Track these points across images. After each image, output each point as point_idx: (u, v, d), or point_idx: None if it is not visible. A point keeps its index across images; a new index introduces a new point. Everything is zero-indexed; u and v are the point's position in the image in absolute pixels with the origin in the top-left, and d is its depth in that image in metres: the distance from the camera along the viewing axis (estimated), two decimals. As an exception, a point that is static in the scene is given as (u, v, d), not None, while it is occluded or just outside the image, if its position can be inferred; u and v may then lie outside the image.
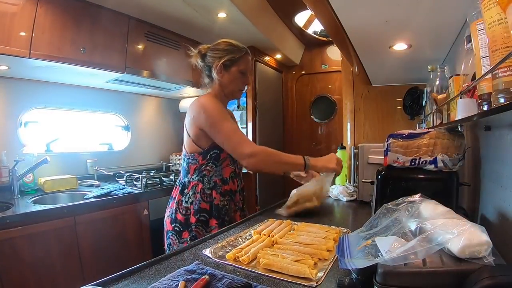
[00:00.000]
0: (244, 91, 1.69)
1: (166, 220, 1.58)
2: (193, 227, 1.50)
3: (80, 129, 3.10)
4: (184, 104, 3.88)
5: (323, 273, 0.86)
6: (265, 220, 1.38)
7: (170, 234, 1.54)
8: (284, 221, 1.34)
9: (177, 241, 1.50)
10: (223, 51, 1.57)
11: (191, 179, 1.56)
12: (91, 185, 2.75)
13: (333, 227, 1.29)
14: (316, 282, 0.82)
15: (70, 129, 3.00)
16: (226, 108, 1.68)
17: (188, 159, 1.59)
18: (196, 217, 1.51)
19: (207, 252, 1.03)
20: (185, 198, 1.55)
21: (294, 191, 1.66)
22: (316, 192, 1.59)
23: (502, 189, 0.94)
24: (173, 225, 1.54)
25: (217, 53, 1.58)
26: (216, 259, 0.98)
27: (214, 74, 1.60)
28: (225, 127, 1.49)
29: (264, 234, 1.17)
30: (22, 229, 1.81)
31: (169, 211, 1.58)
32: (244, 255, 0.96)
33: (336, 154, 2.31)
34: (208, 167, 1.55)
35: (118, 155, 3.35)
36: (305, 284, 0.81)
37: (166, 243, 1.58)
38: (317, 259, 0.95)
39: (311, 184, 1.71)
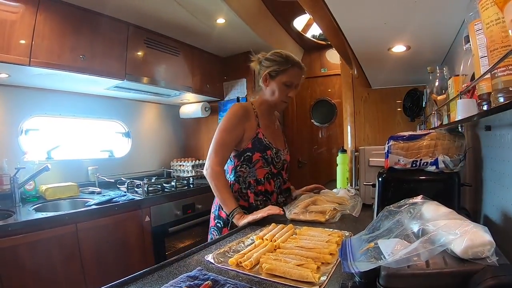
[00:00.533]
0: (285, 101, 1.73)
1: (211, 216, 1.73)
2: (216, 221, 1.66)
3: (80, 136, 3.10)
4: (185, 110, 3.89)
5: (326, 277, 0.85)
6: (267, 225, 1.37)
7: (212, 229, 1.69)
8: (286, 225, 1.33)
9: (218, 236, 1.54)
10: (271, 61, 1.67)
11: (229, 179, 1.70)
12: (93, 192, 2.74)
13: (336, 230, 1.28)
14: (320, 286, 0.81)
15: (71, 136, 3.01)
16: (272, 116, 1.83)
17: (229, 160, 1.70)
18: (215, 221, 1.67)
19: (209, 258, 1.03)
20: (213, 207, 1.72)
21: (305, 196, 1.69)
22: (334, 207, 1.56)
23: (504, 189, 0.94)
24: (215, 221, 1.68)
25: (266, 63, 1.68)
26: (219, 265, 0.98)
27: (261, 82, 1.73)
28: (218, 136, 1.62)
29: (267, 239, 1.16)
30: (24, 236, 1.80)
31: (213, 208, 1.72)
32: (247, 260, 0.95)
33: (337, 157, 2.32)
34: (242, 169, 1.67)
35: (119, 161, 3.35)
36: None
37: (209, 238, 1.71)
38: (320, 263, 0.94)
39: (331, 197, 1.74)
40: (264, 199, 1.69)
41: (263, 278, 0.87)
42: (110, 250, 2.27)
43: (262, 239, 1.17)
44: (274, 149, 1.71)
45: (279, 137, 1.85)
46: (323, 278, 0.85)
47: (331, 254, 1.00)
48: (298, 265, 0.91)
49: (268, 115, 1.80)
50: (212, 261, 1.01)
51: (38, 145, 2.70)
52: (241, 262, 0.95)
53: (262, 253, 1.01)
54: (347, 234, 1.23)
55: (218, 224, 1.66)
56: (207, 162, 1.61)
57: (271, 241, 1.14)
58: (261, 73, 1.70)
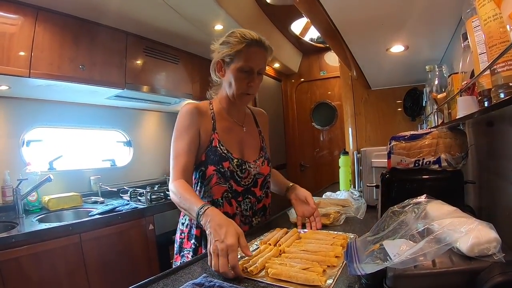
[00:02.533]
0: (247, 93, 1.36)
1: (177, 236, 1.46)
2: (185, 252, 1.36)
3: (82, 146, 3.11)
4: (183, 108, 3.89)
5: (332, 280, 0.85)
6: (272, 230, 1.36)
7: (186, 251, 1.39)
8: (290, 230, 1.32)
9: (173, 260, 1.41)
10: (225, 44, 1.32)
11: None
12: (96, 202, 2.74)
13: (340, 233, 1.27)
14: None
15: (73, 146, 3.01)
16: (238, 116, 1.47)
17: None
18: (191, 242, 1.35)
19: None
20: (182, 219, 1.44)
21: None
22: (338, 210, 1.55)
23: (508, 184, 0.93)
24: (175, 246, 1.44)
25: (220, 48, 1.34)
26: None
27: (214, 74, 1.40)
28: (175, 146, 1.32)
29: (270, 244, 1.16)
30: (27, 248, 1.80)
31: (181, 225, 1.45)
32: (252, 265, 0.95)
33: (339, 160, 2.32)
34: (198, 188, 1.37)
35: (121, 171, 3.35)
36: None
37: (179, 261, 1.41)
38: (325, 266, 0.93)
39: (335, 200, 1.70)
40: None
41: (269, 283, 0.87)
42: (115, 259, 2.27)
43: (267, 244, 1.16)
44: (235, 160, 1.35)
45: (250, 144, 1.46)
46: (329, 281, 0.84)
47: (336, 257, 0.99)
48: (304, 269, 0.90)
49: (230, 116, 1.44)
50: None
51: (40, 156, 2.70)
52: (246, 268, 0.94)
53: (267, 258, 1.00)
54: (351, 236, 1.22)
55: (175, 249, 1.41)
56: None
57: (276, 245, 1.13)
58: (215, 61, 1.36)
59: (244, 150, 1.42)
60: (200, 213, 1.07)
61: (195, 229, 1.34)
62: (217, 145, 1.34)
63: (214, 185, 1.33)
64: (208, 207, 1.07)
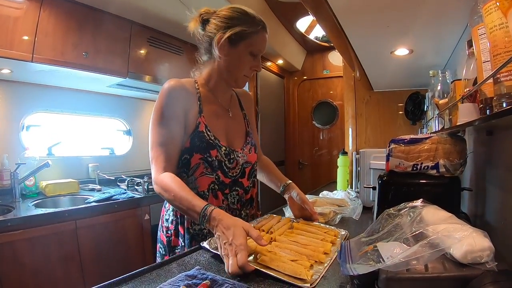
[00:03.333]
0: (248, 76, 1.26)
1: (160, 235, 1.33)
2: (176, 251, 1.25)
3: (82, 133, 3.11)
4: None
5: (318, 276, 0.85)
6: (266, 216, 1.35)
7: (157, 254, 1.32)
8: (284, 218, 1.33)
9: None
10: (231, 19, 1.19)
11: None
12: (93, 189, 2.75)
13: (332, 228, 1.28)
14: (311, 284, 0.81)
15: (72, 133, 3.01)
16: (225, 98, 1.35)
17: None
18: (179, 239, 1.25)
19: (205, 244, 1.04)
20: (166, 215, 1.31)
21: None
22: (335, 210, 1.54)
23: (505, 193, 0.93)
24: (158, 245, 1.32)
25: (223, 22, 1.20)
26: (213, 250, 0.99)
27: (215, 50, 1.21)
28: (158, 132, 1.16)
29: (263, 230, 1.15)
30: (23, 232, 1.81)
31: (158, 226, 1.34)
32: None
33: (338, 159, 2.32)
34: (180, 178, 1.14)
35: (119, 159, 3.35)
36: (300, 284, 0.80)
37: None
38: (313, 261, 0.94)
39: (331, 199, 1.70)
40: None
41: (258, 269, 0.87)
42: (109, 247, 2.27)
43: (259, 230, 1.15)
44: (222, 148, 1.22)
45: (236, 130, 1.33)
46: (315, 277, 0.85)
47: (325, 253, 1.00)
48: (292, 261, 0.91)
49: (217, 98, 1.31)
50: (207, 246, 1.02)
51: (39, 141, 2.70)
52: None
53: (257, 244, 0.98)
54: (343, 233, 1.23)
55: (160, 250, 1.31)
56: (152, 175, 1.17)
57: (268, 232, 1.13)
58: (216, 37, 1.19)
59: (230, 137, 1.29)
60: (205, 216, 0.99)
61: (180, 225, 1.24)
62: (204, 130, 1.19)
63: (200, 175, 1.19)
64: (213, 209, 0.99)
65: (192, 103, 1.21)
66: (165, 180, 1.11)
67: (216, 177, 1.21)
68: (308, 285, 0.80)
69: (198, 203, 1.02)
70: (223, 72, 1.24)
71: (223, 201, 1.25)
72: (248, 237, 0.93)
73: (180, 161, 1.20)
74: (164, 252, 1.29)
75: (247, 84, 3.48)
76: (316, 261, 0.94)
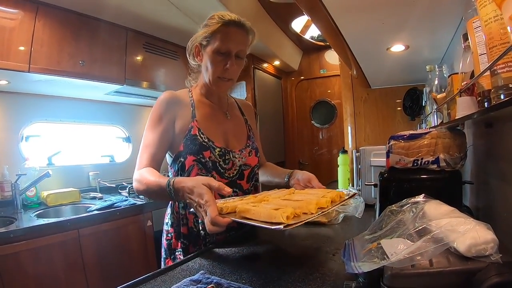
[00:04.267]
0: (229, 78, 1.25)
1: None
2: (177, 253, 1.26)
3: (81, 141, 3.11)
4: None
5: (297, 222, 0.77)
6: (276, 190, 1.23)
7: (162, 260, 1.35)
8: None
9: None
10: (203, 27, 1.24)
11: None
12: (94, 198, 2.74)
13: (339, 190, 1.17)
14: (285, 226, 0.74)
15: (72, 142, 3.01)
16: (220, 103, 1.37)
17: (169, 170, 1.32)
18: (179, 241, 1.26)
19: None
20: (166, 219, 1.34)
21: None
22: (337, 209, 1.46)
23: (506, 185, 0.93)
24: (162, 250, 1.34)
25: (199, 32, 1.25)
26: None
27: (190, 60, 1.31)
28: (146, 136, 1.23)
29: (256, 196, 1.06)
30: (26, 243, 1.80)
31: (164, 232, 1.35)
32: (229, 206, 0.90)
33: (338, 158, 2.32)
34: None
35: (120, 166, 3.34)
36: (271, 227, 0.75)
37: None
38: (300, 212, 0.84)
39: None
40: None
41: (236, 221, 0.84)
42: (113, 255, 2.27)
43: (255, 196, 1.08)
44: (217, 149, 1.23)
45: (235, 132, 1.35)
46: (293, 222, 0.77)
47: (320, 208, 0.90)
48: (274, 209, 0.81)
49: (211, 102, 1.34)
50: None
51: (39, 151, 2.70)
52: (222, 209, 0.89)
53: (244, 203, 0.94)
54: (349, 192, 1.11)
55: (164, 255, 1.34)
56: None
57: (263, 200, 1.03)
58: (192, 45, 1.27)
59: (228, 138, 1.30)
60: (171, 191, 0.99)
61: (182, 227, 1.26)
62: (197, 133, 1.22)
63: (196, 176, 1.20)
64: (173, 181, 0.99)
65: (184, 110, 1.26)
66: (139, 173, 1.15)
67: (212, 177, 1.14)
68: (281, 226, 0.74)
69: (163, 181, 1.02)
70: (204, 78, 1.29)
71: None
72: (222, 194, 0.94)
73: (176, 165, 1.24)
74: (165, 256, 1.31)
75: (244, 86, 3.47)
76: (304, 213, 0.85)
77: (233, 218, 0.84)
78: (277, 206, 0.84)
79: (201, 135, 1.22)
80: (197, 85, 1.36)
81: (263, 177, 1.50)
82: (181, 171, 1.23)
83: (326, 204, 0.92)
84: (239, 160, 1.29)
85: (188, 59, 1.33)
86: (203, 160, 1.21)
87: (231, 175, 1.27)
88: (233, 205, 0.91)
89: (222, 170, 1.24)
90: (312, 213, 0.85)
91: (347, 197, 1.05)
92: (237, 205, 0.90)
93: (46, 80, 2.27)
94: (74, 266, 2.04)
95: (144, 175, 1.12)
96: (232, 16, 1.22)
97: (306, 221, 0.79)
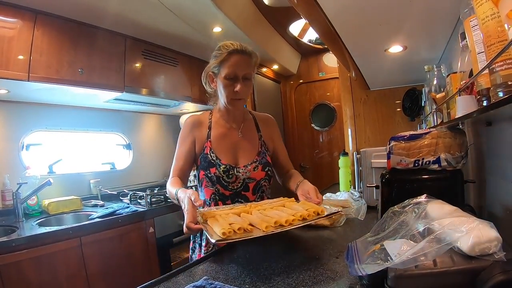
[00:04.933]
0: (240, 98, 1.43)
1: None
2: (195, 238, 1.53)
3: (82, 149, 3.11)
4: (184, 120, 3.88)
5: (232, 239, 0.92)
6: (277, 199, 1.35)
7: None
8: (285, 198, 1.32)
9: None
10: (212, 58, 1.44)
11: None
12: (95, 205, 2.74)
13: (326, 207, 1.21)
14: (217, 241, 0.90)
15: (72, 150, 3.01)
16: (235, 122, 1.53)
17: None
18: (193, 240, 1.54)
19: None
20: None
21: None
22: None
23: (508, 183, 0.93)
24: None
25: (211, 61, 1.45)
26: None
27: (206, 87, 1.52)
28: (177, 151, 1.49)
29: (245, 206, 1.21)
30: (28, 252, 1.80)
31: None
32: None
33: (339, 161, 2.32)
34: (197, 190, 1.49)
35: (121, 174, 3.34)
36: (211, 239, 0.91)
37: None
38: (250, 228, 0.99)
39: (335, 200, 1.69)
40: None
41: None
42: (115, 262, 2.26)
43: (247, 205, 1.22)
44: (221, 166, 1.40)
45: (244, 149, 1.50)
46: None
47: (290, 222, 1.01)
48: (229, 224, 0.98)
49: (227, 122, 1.53)
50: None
51: (39, 160, 2.70)
52: (204, 215, 1.09)
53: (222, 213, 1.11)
54: (334, 211, 1.15)
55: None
56: None
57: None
58: (206, 75, 1.49)
59: (238, 154, 1.47)
60: (177, 200, 1.22)
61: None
62: (208, 152, 1.44)
63: (205, 187, 1.44)
64: (177, 191, 1.22)
65: (202, 131, 1.50)
66: (168, 182, 1.39)
67: (216, 189, 1.42)
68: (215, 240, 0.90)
69: (174, 190, 1.25)
70: (220, 100, 1.49)
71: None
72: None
73: (195, 176, 1.54)
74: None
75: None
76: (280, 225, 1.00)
77: (201, 226, 1.02)
78: (239, 220, 1.02)
79: (211, 154, 1.43)
80: (217, 106, 1.56)
81: (287, 184, 1.55)
82: (197, 181, 1.51)
83: (285, 221, 1.01)
84: (242, 175, 1.43)
85: (205, 86, 1.53)
86: (209, 175, 1.41)
87: (235, 188, 1.43)
88: (212, 213, 1.09)
89: (225, 184, 1.41)
90: (263, 230, 0.98)
91: (326, 214, 1.12)
92: (216, 214, 1.08)
93: (46, 88, 2.28)
94: (77, 274, 2.03)
95: (168, 184, 1.36)
96: (235, 45, 1.39)
97: (239, 240, 0.93)
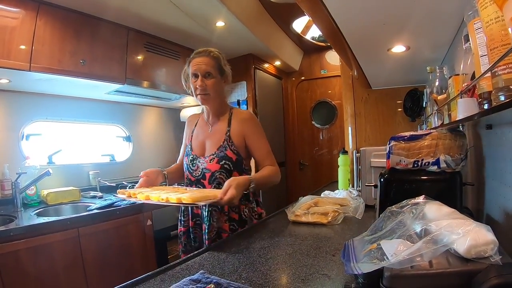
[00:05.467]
0: (199, 93, 1.60)
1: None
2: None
3: (82, 140, 3.11)
4: (185, 114, 3.88)
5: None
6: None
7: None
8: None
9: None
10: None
11: None
12: (94, 197, 2.74)
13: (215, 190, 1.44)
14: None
15: (72, 141, 3.01)
16: (214, 119, 1.70)
17: None
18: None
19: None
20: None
21: (306, 198, 1.68)
22: (338, 210, 1.55)
23: (506, 187, 0.93)
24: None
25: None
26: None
27: (186, 89, 1.74)
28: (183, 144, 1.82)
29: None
30: (25, 241, 1.80)
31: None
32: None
33: (339, 159, 2.32)
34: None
35: (120, 166, 3.34)
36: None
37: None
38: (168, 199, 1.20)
39: (333, 198, 1.71)
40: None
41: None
42: (112, 254, 2.27)
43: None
44: (190, 156, 1.67)
45: (211, 142, 1.66)
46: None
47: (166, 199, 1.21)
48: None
49: (204, 119, 1.74)
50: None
51: (39, 150, 2.70)
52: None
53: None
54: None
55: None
56: None
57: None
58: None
59: (205, 147, 1.67)
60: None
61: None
62: (188, 144, 1.73)
63: (184, 172, 1.71)
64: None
65: (191, 127, 1.77)
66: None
67: (187, 175, 1.69)
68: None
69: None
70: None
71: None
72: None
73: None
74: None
75: (244, 86, 3.60)
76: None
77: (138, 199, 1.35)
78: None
79: (188, 146, 1.72)
80: None
81: None
82: None
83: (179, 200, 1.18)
84: (201, 165, 1.63)
85: (185, 88, 1.73)
86: (185, 163, 1.70)
87: (197, 175, 1.64)
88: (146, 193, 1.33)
89: (191, 171, 1.66)
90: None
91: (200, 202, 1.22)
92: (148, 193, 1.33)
93: (47, 79, 2.27)
94: (74, 265, 2.04)
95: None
96: (199, 49, 1.65)
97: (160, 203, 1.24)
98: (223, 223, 1.56)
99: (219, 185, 1.55)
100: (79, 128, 3.07)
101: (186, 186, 1.64)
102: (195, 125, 1.75)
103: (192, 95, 1.68)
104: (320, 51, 4.49)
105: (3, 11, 1.97)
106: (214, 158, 1.60)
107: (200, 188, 1.60)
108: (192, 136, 1.72)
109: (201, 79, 1.58)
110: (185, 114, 3.88)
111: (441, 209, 0.79)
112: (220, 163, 1.58)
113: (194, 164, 1.64)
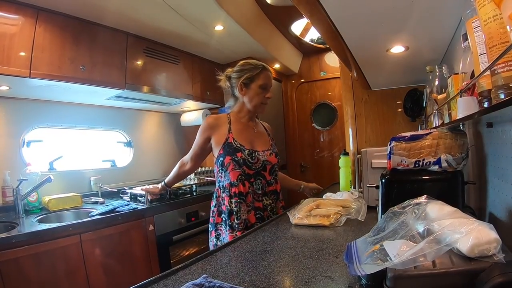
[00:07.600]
0: (265, 103, 1.86)
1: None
2: (218, 226, 1.80)
3: (82, 146, 3.11)
4: (185, 118, 3.89)
5: None
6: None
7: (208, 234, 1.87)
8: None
9: (209, 239, 1.86)
10: (241, 71, 1.81)
11: (216, 187, 1.84)
12: (96, 202, 2.74)
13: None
14: None
15: (73, 147, 3.01)
16: (252, 121, 1.93)
17: (215, 169, 1.86)
18: (220, 217, 1.80)
19: None
20: (212, 203, 1.85)
21: (308, 200, 1.72)
22: (340, 212, 1.55)
23: (508, 185, 0.93)
24: (209, 226, 1.87)
25: (237, 74, 1.82)
26: None
27: (237, 93, 1.85)
28: (195, 141, 1.89)
29: None
30: (27, 248, 1.80)
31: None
32: None
33: (340, 160, 2.32)
34: (220, 174, 1.80)
35: (121, 171, 3.35)
36: None
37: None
38: None
39: (335, 200, 1.75)
40: (239, 201, 1.72)
41: None
42: (115, 260, 2.26)
43: None
44: (246, 151, 1.76)
45: (260, 140, 1.89)
46: None
47: None
48: None
49: (246, 121, 1.90)
50: None
51: (40, 157, 2.70)
52: None
53: None
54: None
55: (209, 228, 1.86)
56: None
57: None
58: (235, 85, 1.83)
59: (254, 144, 1.83)
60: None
61: (222, 206, 1.79)
62: (232, 141, 1.77)
63: (231, 170, 1.74)
64: (164, 181, 2.18)
65: (222, 127, 1.83)
66: (180, 161, 2.05)
67: (242, 170, 1.74)
68: None
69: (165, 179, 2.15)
70: (247, 105, 1.86)
71: (249, 187, 1.76)
72: None
73: (218, 162, 1.79)
74: (210, 229, 1.85)
75: None
76: None
77: None
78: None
79: (235, 142, 1.77)
80: (235, 110, 1.91)
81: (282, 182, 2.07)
82: (222, 166, 1.78)
83: None
84: (262, 157, 1.81)
85: (234, 93, 1.90)
86: (236, 159, 1.74)
87: (257, 167, 1.78)
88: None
89: (250, 164, 1.76)
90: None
91: None
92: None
93: (47, 85, 2.28)
94: (76, 271, 2.03)
95: (175, 167, 2.07)
96: (262, 63, 1.85)
97: None
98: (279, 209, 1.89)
99: (276, 177, 1.89)
100: (80, 134, 3.07)
101: (240, 181, 1.73)
102: (229, 125, 1.83)
103: (242, 99, 1.85)
104: (319, 53, 4.50)
105: (2, 18, 1.97)
106: (272, 152, 1.88)
107: (261, 179, 1.80)
108: (231, 134, 1.79)
109: (270, 92, 1.85)
110: (185, 118, 3.88)
111: (444, 209, 0.79)
112: (277, 158, 1.90)
113: (254, 157, 1.77)
